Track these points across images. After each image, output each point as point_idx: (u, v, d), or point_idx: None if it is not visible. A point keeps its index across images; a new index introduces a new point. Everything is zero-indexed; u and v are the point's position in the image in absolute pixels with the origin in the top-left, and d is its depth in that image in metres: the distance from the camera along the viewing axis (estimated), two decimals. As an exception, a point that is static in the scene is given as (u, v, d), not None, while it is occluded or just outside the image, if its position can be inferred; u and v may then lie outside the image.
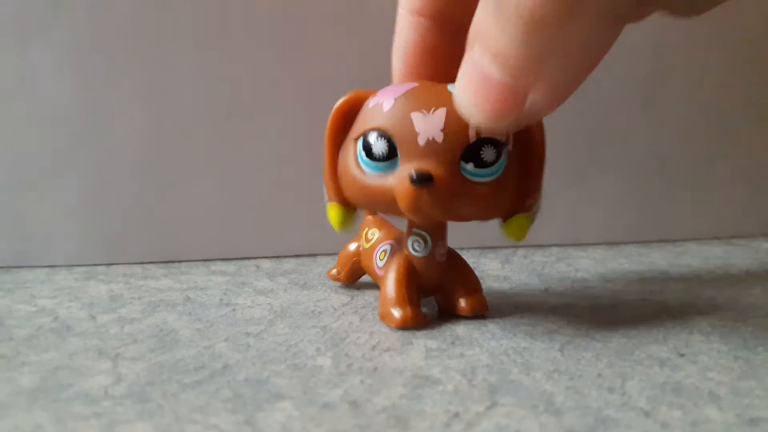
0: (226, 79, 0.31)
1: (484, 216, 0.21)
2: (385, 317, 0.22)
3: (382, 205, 0.20)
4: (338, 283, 0.27)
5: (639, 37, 0.31)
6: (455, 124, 0.19)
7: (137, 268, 0.30)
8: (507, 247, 0.35)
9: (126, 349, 0.20)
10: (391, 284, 0.22)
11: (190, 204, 0.32)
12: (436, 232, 0.22)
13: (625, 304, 0.24)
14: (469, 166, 0.20)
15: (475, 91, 0.18)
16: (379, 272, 0.23)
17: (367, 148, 0.20)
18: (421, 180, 0.19)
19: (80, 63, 0.30)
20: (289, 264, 0.31)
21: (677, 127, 0.36)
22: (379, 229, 0.25)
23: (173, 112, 0.31)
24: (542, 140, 0.21)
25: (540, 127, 0.21)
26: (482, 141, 0.19)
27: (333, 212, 0.22)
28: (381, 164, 0.20)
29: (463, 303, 0.22)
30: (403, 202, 0.19)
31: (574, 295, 0.26)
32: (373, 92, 0.21)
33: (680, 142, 0.36)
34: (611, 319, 0.22)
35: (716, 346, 0.20)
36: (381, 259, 0.23)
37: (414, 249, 0.22)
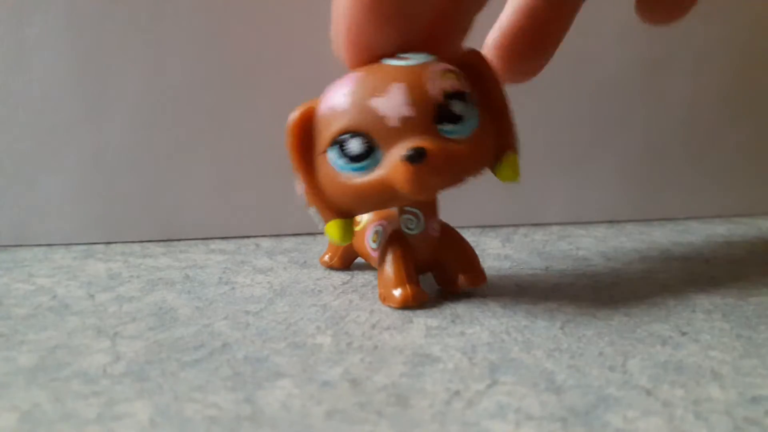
0: (224, 57, 0.31)
1: (479, 168, 0.20)
2: (386, 298, 0.21)
3: (381, 200, 0.20)
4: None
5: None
6: (417, 92, 0.19)
7: (136, 247, 0.30)
8: (508, 225, 0.35)
9: (125, 327, 0.19)
10: (389, 264, 0.21)
11: (189, 182, 0.32)
12: (427, 209, 0.22)
13: (627, 283, 0.24)
14: (447, 126, 0.19)
15: None
16: (373, 253, 0.23)
17: (343, 154, 0.19)
18: (417, 156, 0.18)
19: (77, 42, 0.29)
20: (288, 242, 0.31)
21: (679, 106, 0.36)
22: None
23: (172, 91, 0.31)
24: (496, 79, 0.21)
25: (488, 67, 0.21)
26: (448, 97, 0.19)
27: (334, 230, 0.21)
28: (363, 163, 0.19)
29: (462, 277, 0.22)
30: (404, 185, 0.18)
31: (575, 273, 0.26)
32: (314, 101, 0.20)
33: (682, 120, 0.36)
34: (612, 298, 0.22)
35: (718, 325, 0.19)
36: (374, 241, 0.23)
37: (407, 227, 0.22)
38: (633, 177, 0.36)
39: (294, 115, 0.20)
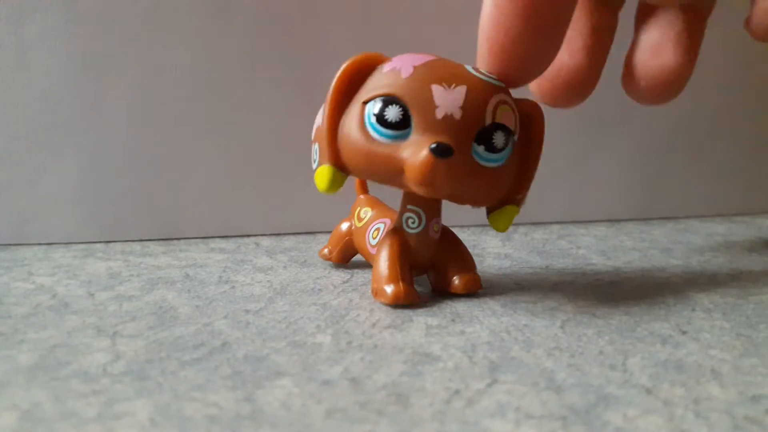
0: (224, 56, 0.31)
1: (481, 201, 0.21)
2: (377, 293, 0.21)
3: (384, 174, 0.20)
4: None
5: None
6: (474, 103, 0.19)
7: (136, 246, 0.30)
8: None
9: (125, 326, 0.19)
10: (383, 261, 0.21)
11: (189, 181, 0.32)
12: (431, 209, 0.22)
13: (627, 282, 0.24)
14: (480, 149, 0.19)
15: None
16: (372, 250, 0.23)
17: (379, 114, 0.19)
18: (443, 151, 0.18)
19: (77, 41, 0.29)
20: (288, 241, 0.31)
21: (678, 106, 0.36)
22: (372, 209, 0.24)
23: (172, 89, 0.31)
24: (542, 134, 0.21)
25: (541, 119, 0.21)
26: (496, 126, 0.19)
27: (324, 174, 0.20)
28: (392, 132, 0.19)
29: (456, 281, 0.22)
30: (416, 173, 0.18)
31: (576, 272, 0.25)
32: (386, 57, 0.20)
33: (682, 119, 0.36)
34: (613, 297, 0.22)
35: (718, 324, 0.19)
36: (374, 238, 0.23)
37: (408, 225, 0.22)
38: (633, 176, 0.36)
39: (357, 57, 0.20)
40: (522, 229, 0.34)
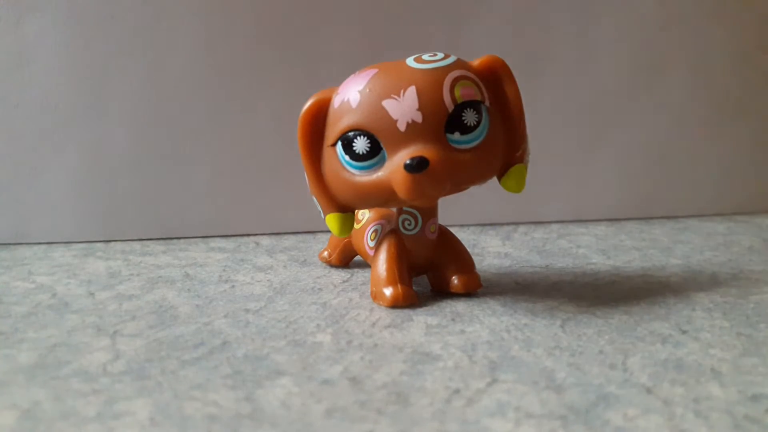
0: (224, 56, 0.31)
1: (481, 178, 0.20)
2: (376, 296, 0.21)
3: (380, 200, 0.20)
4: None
5: (639, 13, 0.31)
6: (430, 99, 0.19)
7: (136, 245, 0.30)
8: (508, 223, 0.35)
9: (125, 325, 0.19)
10: (381, 263, 0.21)
11: (189, 181, 0.32)
12: (426, 211, 0.22)
13: (627, 281, 0.24)
14: (456, 135, 0.19)
15: None
16: (370, 252, 0.23)
17: (349, 151, 0.19)
18: (418, 166, 0.18)
19: (77, 41, 0.29)
20: (288, 241, 0.31)
21: (679, 105, 0.36)
22: (370, 210, 0.24)
23: (172, 90, 0.31)
24: (516, 91, 0.21)
25: (511, 78, 0.21)
26: (461, 106, 0.19)
27: (333, 222, 0.21)
28: (368, 162, 0.19)
29: (455, 280, 0.22)
30: (403, 192, 0.19)
31: (576, 271, 0.25)
32: (332, 90, 0.20)
33: (682, 119, 0.36)
34: (613, 296, 0.22)
35: (718, 323, 0.19)
36: (372, 239, 0.23)
37: (404, 227, 0.22)
38: (633, 175, 0.36)
39: (307, 104, 0.20)
40: (522, 229, 0.34)
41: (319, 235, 0.32)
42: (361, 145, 0.19)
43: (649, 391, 0.15)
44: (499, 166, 0.21)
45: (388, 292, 0.21)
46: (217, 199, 0.32)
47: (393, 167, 0.19)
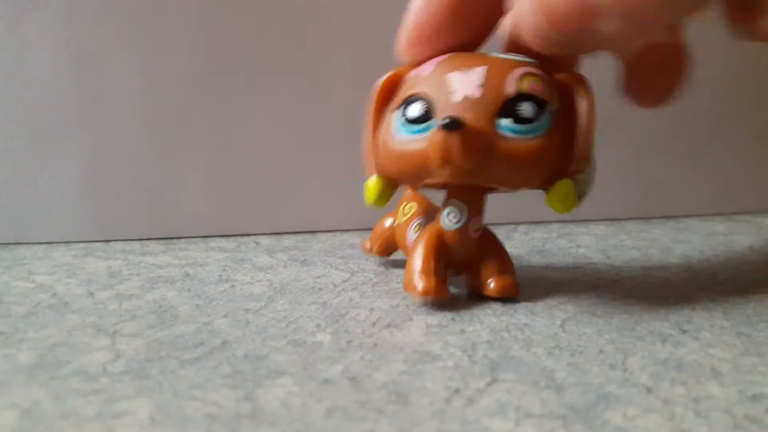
0: (224, 55, 0.31)
1: (519, 179, 0.19)
2: (407, 286, 0.21)
3: (420, 171, 0.19)
4: (340, 260, 0.27)
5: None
6: (494, 79, 0.19)
7: (136, 245, 0.30)
8: (508, 223, 0.35)
9: (124, 325, 0.19)
10: (418, 254, 0.21)
11: (189, 180, 0.32)
12: (473, 205, 0.21)
13: (627, 281, 0.24)
14: (507, 122, 0.19)
15: None
16: (411, 245, 0.22)
17: (404, 114, 0.20)
18: (452, 124, 0.18)
19: (76, 40, 0.29)
20: (288, 240, 0.31)
21: (678, 105, 0.36)
22: (418, 204, 0.24)
23: (172, 88, 0.31)
24: (592, 106, 0.20)
25: (586, 87, 0.20)
26: (521, 97, 0.19)
27: (371, 186, 0.21)
28: (417, 127, 0.19)
29: (491, 284, 0.21)
30: (434, 153, 0.18)
31: (576, 271, 0.25)
32: (412, 67, 0.21)
33: (683, 118, 0.36)
34: (613, 296, 0.22)
35: (718, 323, 0.19)
36: (415, 232, 0.23)
37: (449, 221, 0.21)
38: (633, 175, 0.36)
39: (386, 76, 0.21)
40: (522, 228, 0.34)
41: (319, 235, 0.32)
42: (415, 108, 0.19)
43: (649, 390, 0.15)
44: (544, 176, 0.20)
45: (420, 283, 0.20)
46: (217, 199, 0.32)
47: (431, 131, 0.19)
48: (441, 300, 0.21)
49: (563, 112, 0.20)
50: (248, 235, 0.32)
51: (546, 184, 0.20)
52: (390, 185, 0.21)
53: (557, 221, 0.35)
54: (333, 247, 0.30)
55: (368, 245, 0.27)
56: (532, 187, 0.20)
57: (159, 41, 0.30)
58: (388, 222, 0.26)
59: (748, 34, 0.19)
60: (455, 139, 0.18)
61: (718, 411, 0.14)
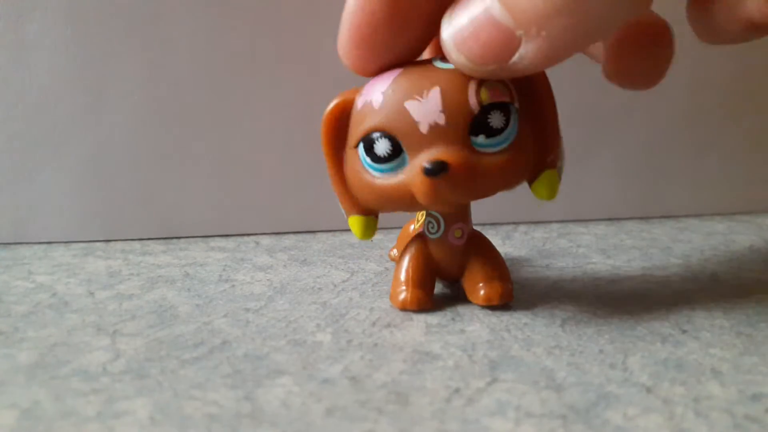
0: (224, 55, 0.31)
1: (509, 184, 0.19)
2: (392, 297, 0.21)
3: (401, 204, 0.19)
4: (340, 260, 0.27)
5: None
6: (454, 100, 0.18)
7: (136, 244, 0.30)
8: (508, 223, 0.35)
9: (124, 325, 0.19)
10: (401, 265, 0.21)
11: (189, 180, 0.32)
12: (450, 215, 0.21)
13: (627, 280, 0.24)
14: (480, 139, 0.18)
15: (469, 25, 0.17)
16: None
17: (370, 153, 0.19)
18: (436, 170, 0.18)
19: (77, 39, 0.29)
20: (288, 240, 0.31)
21: (678, 103, 0.36)
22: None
23: (172, 88, 0.31)
24: (548, 90, 0.20)
25: (543, 76, 0.20)
26: (487, 108, 0.18)
27: (355, 224, 0.21)
28: (388, 165, 0.19)
29: (481, 291, 0.21)
30: (422, 197, 0.18)
31: (575, 271, 0.25)
32: (357, 90, 0.20)
33: (682, 118, 0.36)
34: (613, 295, 0.22)
35: (718, 322, 0.19)
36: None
37: (428, 231, 0.21)
38: (633, 174, 0.36)
39: (331, 105, 0.20)
40: (522, 228, 0.34)
41: (319, 235, 0.32)
42: (382, 147, 0.19)
43: (649, 390, 0.15)
44: (529, 171, 0.20)
45: (400, 294, 0.21)
46: (217, 199, 0.32)
47: (413, 170, 0.18)
48: (422, 311, 0.21)
49: (521, 101, 0.19)
50: (248, 234, 0.32)
51: (530, 178, 0.20)
52: (371, 217, 0.21)
53: (557, 221, 0.35)
54: (333, 247, 0.30)
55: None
56: (516, 186, 0.20)
57: (159, 41, 0.30)
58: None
59: (710, 32, 0.19)
60: (442, 182, 0.18)
61: (718, 411, 0.14)
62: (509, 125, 0.19)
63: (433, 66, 0.19)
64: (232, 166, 0.32)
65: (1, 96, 0.29)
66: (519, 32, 0.16)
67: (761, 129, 0.37)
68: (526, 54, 0.16)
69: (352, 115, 0.20)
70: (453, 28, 0.17)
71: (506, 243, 0.30)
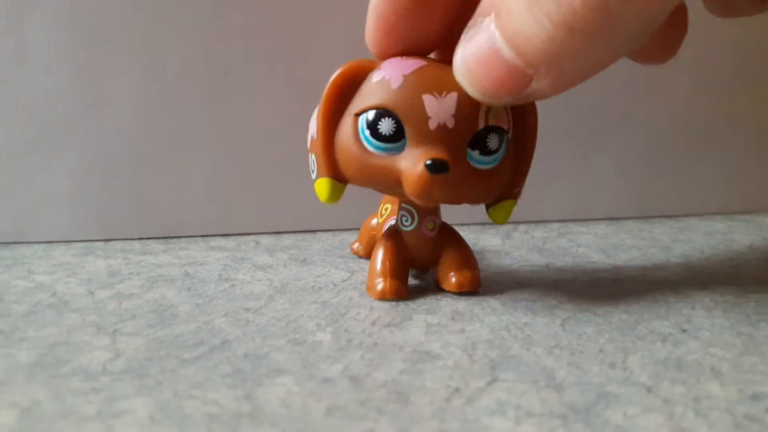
0: (222, 54, 0.31)
1: (479, 201, 0.21)
2: (368, 288, 0.22)
3: (382, 184, 0.20)
4: (340, 259, 0.27)
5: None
6: (466, 110, 0.19)
7: (136, 244, 0.30)
8: (508, 222, 0.34)
9: (124, 324, 0.19)
10: (376, 257, 0.22)
11: (189, 179, 0.32)
12: (424, 208, 0.22)
13: (627, 280, 0.24)
14: (475, 153, 0.19)
15: (479, 62, 0.17)
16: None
17: (372, 127, 0.19)
18: (438, 168, 0.18)
19: (77, 39, 0.29)
20: (288, 239, 0.31)
21: (678, 104, 0.36)
22: (392, 204, 0.25)
23: (171, 87, 0.31)
24: (536, 126, 0.21)
25: (534, 112, 0.21)
26: (489, 128, 0.19)
27: (323, 186, 0.21)
28: (387, 145, 0.19)
29: (452, 278, 0.22)
30: (413, 189, 0.19)
31: (576, 270, 0.25)
32: (375, 63, 0.20)
33: (681, 118, 0.36)
34: (613, 295, 0.22)
35: (718, 322, 0.19)
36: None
37: (402, 223, 0.22)
38: (633, 174, 0.36)
39: (345, 67, 0.20)
40: (522, 227, 0.34)
41: (319, 234, 0.32)
42: (386, 126, 0.19)
43: (649, 389, 0.15)
44: (496, 196, 0.21)
45: (378, 285, 0.21)
46: (217, 199, 0.32)
47: (411, 160, 0.19)
48: (399, 300, 0.21)
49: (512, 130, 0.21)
50: (248, 234, 0.32)
51: (492, 201, 0.21)
52: (341, 183, 0.21)
53: (557, 220, 0.35)
54: (333, 247, 0.30)
55: (356, 246, 0.27)
56: (482, 203, 0.21)
57: (159, 41, 0.30)
58: (373, 221, 0.26)
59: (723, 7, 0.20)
60: (437, 180, 0.18)
61: (718, 410, 0.14)
62: (500, 149, 0.20)
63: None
64: (231, 166, 0.32)
65: (1, 96, 0.29)
66: (529, 71, 0.17)
67: (761, 129, 0.37)
68: (539, 87, 0.17)
69: (364, 84, 0.20)
70: (464, 64, 0.18)
71: (506, 242, 0.30)
